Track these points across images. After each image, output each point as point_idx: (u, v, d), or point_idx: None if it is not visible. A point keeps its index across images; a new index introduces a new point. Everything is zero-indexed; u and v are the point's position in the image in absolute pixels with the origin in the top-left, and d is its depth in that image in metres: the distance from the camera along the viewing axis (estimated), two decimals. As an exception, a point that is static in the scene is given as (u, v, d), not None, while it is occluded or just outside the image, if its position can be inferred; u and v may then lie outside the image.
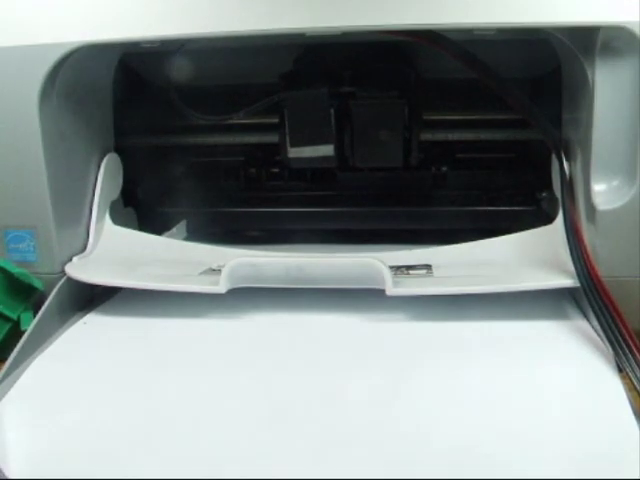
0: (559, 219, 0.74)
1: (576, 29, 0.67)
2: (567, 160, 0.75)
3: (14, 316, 0.74)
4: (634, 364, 0.59)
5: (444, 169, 0.93)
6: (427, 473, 0.50)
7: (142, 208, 0.97)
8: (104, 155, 0.86)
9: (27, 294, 0.75)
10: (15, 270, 0.74)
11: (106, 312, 0.78)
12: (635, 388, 0.57)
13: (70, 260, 0.79)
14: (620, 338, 0.61)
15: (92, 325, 0.76)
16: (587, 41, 0.67)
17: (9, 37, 0.71)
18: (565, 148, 0.77)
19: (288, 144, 0.87)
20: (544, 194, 0.88)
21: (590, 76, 0.68)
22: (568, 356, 0.64)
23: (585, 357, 0.63)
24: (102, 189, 0.85)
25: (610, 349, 0.62)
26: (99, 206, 0.84)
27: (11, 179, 0.75)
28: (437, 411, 0.57)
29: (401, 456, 0.53)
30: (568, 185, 0.73)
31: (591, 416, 0.55)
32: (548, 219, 0.78)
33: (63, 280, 0.76)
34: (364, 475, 0.51)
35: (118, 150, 0.90)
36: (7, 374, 0.65)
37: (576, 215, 0.71)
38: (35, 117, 0.72)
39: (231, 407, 0.59)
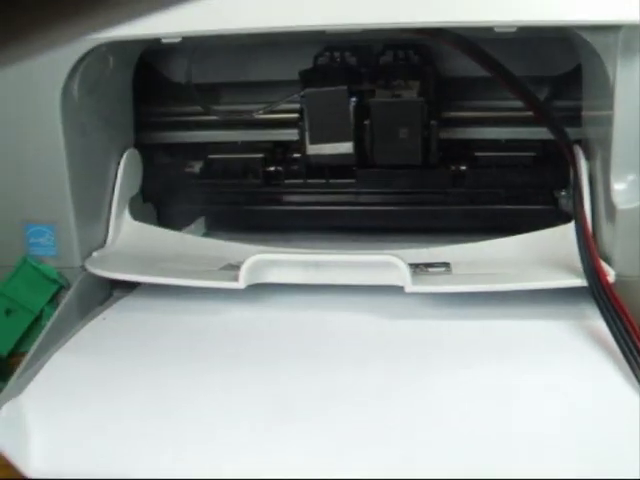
0: (577, 218, 0.74)
1: (597, 28, 0.67)
2: (587, 159, 0.75)
3: (36, 310, 0.75)
4: None
5: (463, 168, 0.93)
6: (431, 472, 0.51)
7: (161, 204, 0.97)
8: (124, 151, 0.87)
9: (50, 289, 0.76)
10: (39, 265, 0.75)
11: (125, 307, 0.79)
12: None
13: (90, 255, 0.79)
14: (632, 345, 0.58)
15: (111, 320, 0.76)
16: (608, 40, 0.67)
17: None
18: (585, 147, 0.76)
19: (307, 141, 0.87)
20: (563, 193, 0.88)
21: (611, 75, 0.67)
22: (582, 356, 0.64)
23: (599, 358, 0.63)
24: (122, 184, 0.85)
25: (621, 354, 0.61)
26: (119, 201, 0.84)
27: (32, 174, 0.75)
28: (447, 410, 0.58)
29: (408, 454, 0.53)
30: (579, 188, 0.73)
31: (601, 417, 0.55)
32: (567, 218, 0.78)
33: (83, 275, 0.77)
34: (369, 475, 0.51)
35: (137, 146, 0.90)
36: (27, 368, 0.66)
37: (586, 220, 0.70)
38: (57, 113, 0.73)
39: (246, 402, 0.60)
